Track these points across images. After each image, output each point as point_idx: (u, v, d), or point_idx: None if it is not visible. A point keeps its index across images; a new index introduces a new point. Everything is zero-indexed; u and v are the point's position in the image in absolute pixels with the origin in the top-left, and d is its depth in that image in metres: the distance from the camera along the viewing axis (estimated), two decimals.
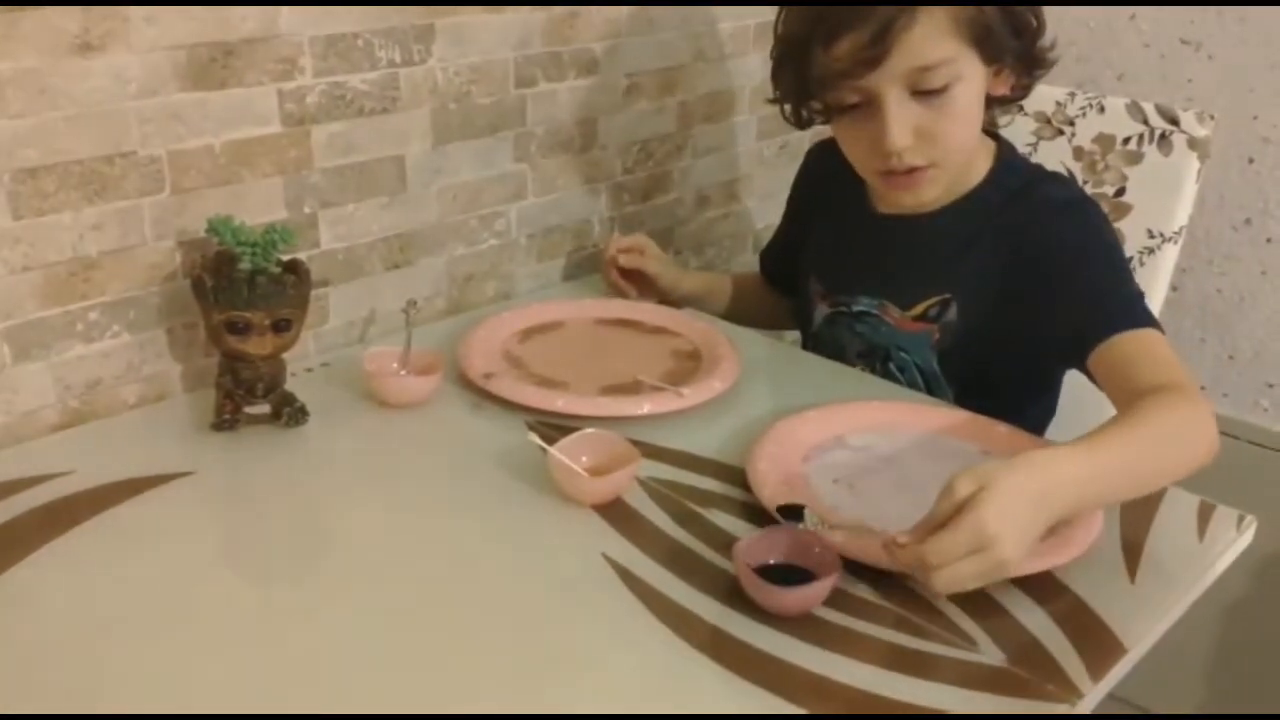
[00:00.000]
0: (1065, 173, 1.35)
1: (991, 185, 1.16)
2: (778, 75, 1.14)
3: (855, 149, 1.13)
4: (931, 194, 1.14)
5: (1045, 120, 1.39)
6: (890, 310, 1.21)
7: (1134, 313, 1.05)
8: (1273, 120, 1.57)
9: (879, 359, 1.23)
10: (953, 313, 1.16)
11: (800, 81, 1.11)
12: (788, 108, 1.17)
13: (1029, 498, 0.79)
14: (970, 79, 1.07)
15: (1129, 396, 0.96)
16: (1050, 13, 1.67)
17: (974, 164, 1.16)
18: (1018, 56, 1.10)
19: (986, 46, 1.06)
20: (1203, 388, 1.71)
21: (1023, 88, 1.15)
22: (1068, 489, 0.83)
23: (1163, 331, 1.05)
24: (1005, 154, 1.19)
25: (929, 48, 1.03)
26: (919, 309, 1.18)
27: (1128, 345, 1.02)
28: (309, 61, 1.15)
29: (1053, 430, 1.26)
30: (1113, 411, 1.12)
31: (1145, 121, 1.32)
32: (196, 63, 1.07)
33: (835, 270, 1.27)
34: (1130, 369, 1.01)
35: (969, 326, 1.16)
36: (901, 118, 1.05)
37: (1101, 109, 1.35)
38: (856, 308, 1.23)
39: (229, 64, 1.09)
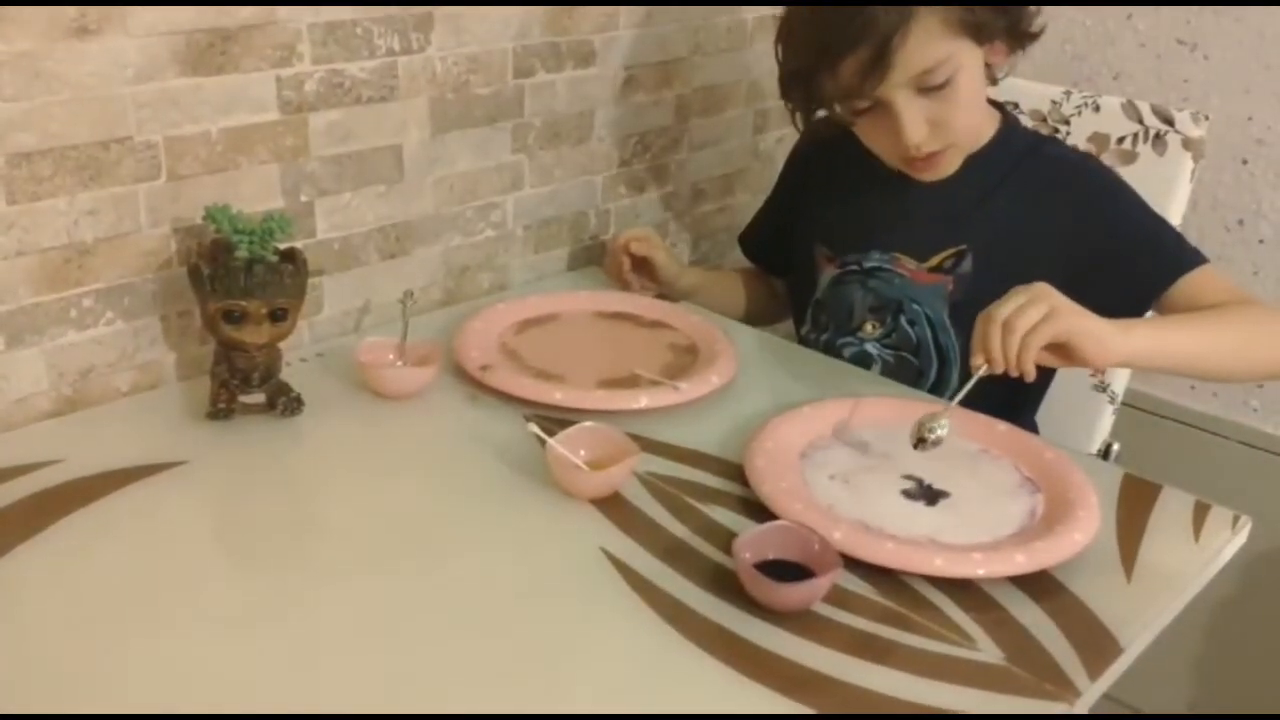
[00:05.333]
0: None
1: (999, 146, 1.22)
2: (788, 93, 1.19)
3: (875, 143, 1.19)
4: (952, 169, 1.20)
5: (1041, 119, 1.39)
6: (905, 263, 1.24)
7: (1186, 254, 1.15)
8: (1267, 122, 1.58)
9: (891, 312, 1.25)
10: (967, 264, 1.20)
11: (811, 101, 1.17)
12: (798, 117, 1.22)
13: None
14: (969, 65, 1.12)
15: None
16: (1047, 12, 1.67)
17: (983, 129, 1.23)
18: (1009, 32, 1.15)
19: (976, 33, 1.11)
20: (1192, 387, 1.72)
21: (1020, 48, 1.20)
22: (1110, 323, 0.97)
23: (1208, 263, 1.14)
24: (1009, 120, 1.26)
25: (926, 53, 1.08)
26: (935, 260, 1.22)
27: (1190, 287, 1.11)
28: (307, 48, 1.14)
29: (1041, 426, 1.27)
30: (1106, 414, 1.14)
31: (1140, 121, 1.32)
32: (194, 48, 1.06)
33: (845, 230, 1.29)
34: (1199, 304, 1.09)
35: (982, 279, 1.19)
36: (913, 115, 1.11)
37: (1097, 108, 1.35)
38: (868, 264, 1.26)
39: (227, 50, 1.08)
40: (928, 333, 1.23)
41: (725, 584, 0.85)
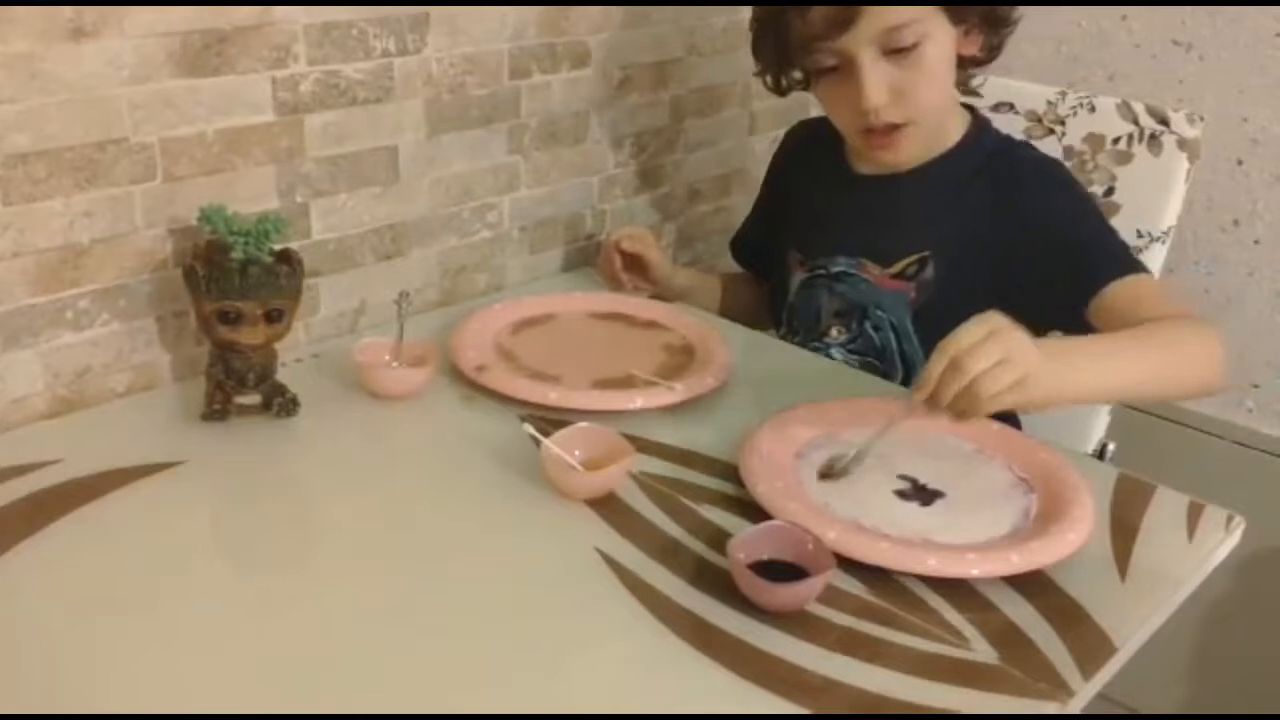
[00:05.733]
0: None
1: (969, 148, 1.22)
2: (758, 46, 1.21)
3: (836, 110, 1.20)
4: (910, 152, 1.20)
5: (1036, 119, 1.39)
6: (869, 268, 1.24)
7: (1125, 261, 1.12)
8: (1262, 122, 1.58)
9: (856, 318, 1.26)
10: (930, 271, 1.21)
11: (780, 49, 1.18)
12: (769, 77, 1.24)
13: (1039, 346, 0.88)
14: (939, 38, 1.12)
15: None
16: (1042, 13, 1.67)
17: (950, 128, 1.22)
18: (983, 16, 1.15)
19: (953, 10, 1.12)
20: None
21: (991, 48, 1.20)
22: (1077, 353, 0.93)
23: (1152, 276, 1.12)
24: (981, 122, 1.25)
25: (893, 10, 1.09)
26: (898, 267, 1.22)
27: (1125, 291, 1.08)
28: (303, 49, 1.14)
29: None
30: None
31: (1135, 122, 1.32)
32: (190, 49, 1.06)
33: (815, 234, 1.30)
34: (1132, 312, 1.06)
35: (945, 286, 1.20)
36: (876, 77, 1.11)
37: (1092, 109, 1.36)
38: (835, 268, 1.27)
39: (223, 51, 1.08)
40: (892, 339, 1.24)
41: (720, 584, 0.85)
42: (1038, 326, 1.23)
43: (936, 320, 1.20)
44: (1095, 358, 0.95)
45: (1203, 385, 1.03)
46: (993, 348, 0.85)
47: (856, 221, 1.26)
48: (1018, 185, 1.19)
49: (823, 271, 1.28)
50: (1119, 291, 1.08)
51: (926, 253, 1.20)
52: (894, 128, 1.16)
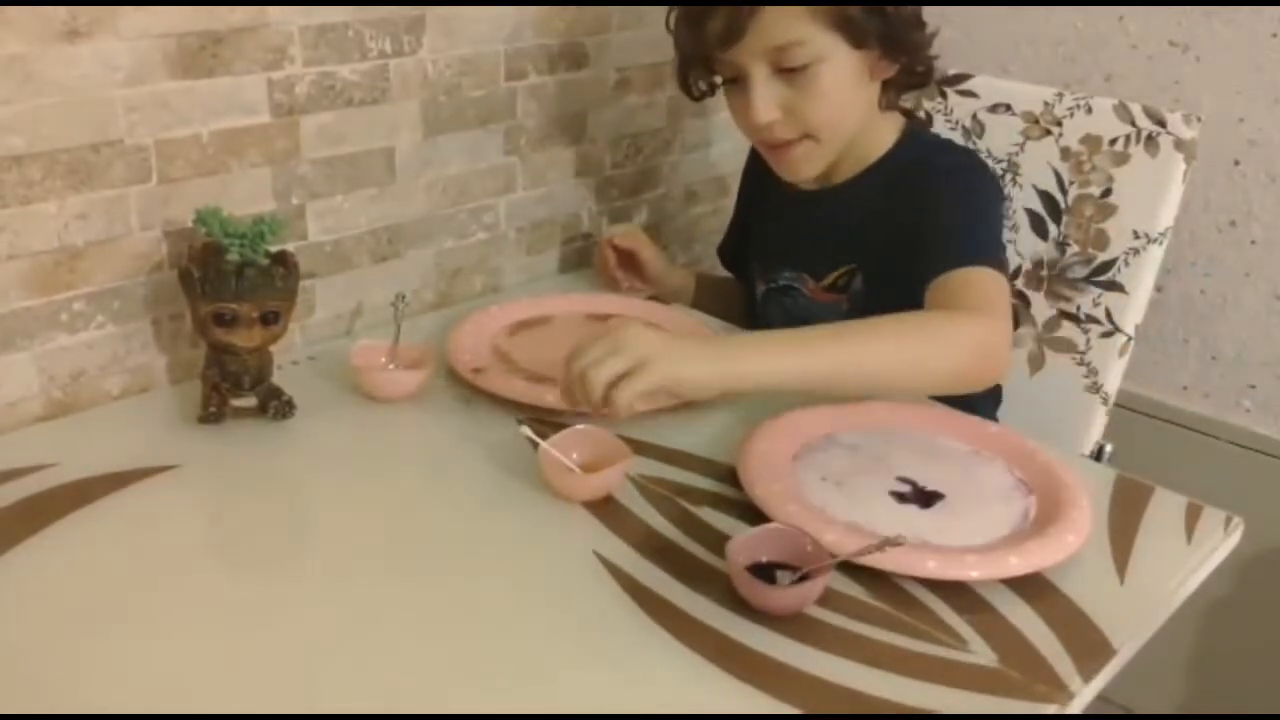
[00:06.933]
0: (1052, 173, 1.36)
1: (894, 158, 1.21)
2: (676, 49, 1.22)
3: (738, 122, 1.21)
4: (812, 168, 1.19)
5: (1033, 120, 1.39)
6: (808, 282, 1.26)
7: (975, 249, 1.08)
8: (1258, 123, 1.58)
9: None
10: (859, 283, 1.21)
11: (683, 60, 1.20)
12: (679, 81, 1.25)
13: (677, 337, 0.92)
14: (834, 60, 1.11)
15: None
16: (1038, 13, 1.67)
17: (877, 139, 1.21)
18: (883, 41, 1.13)
19: (848, 31, 1.10)
20: (1184, 387, 1.72)
21: (918, 72, 1.19)
22: (734, 344, 0.94)
23: (1005, 273, 1.08)
24: (913, 129, 1.24)
25: (780, 30, 1.09)
26: (830, 280, 1.24)
27: (956, 279, 1.05)
28: (299, 51, 1.14)
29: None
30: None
31: (1132, 123, 1.32)
32: (185, 51, 1.06)
33: (767, 248, 1.33)
34: (947, 301, 1.03)
35: (875, 297, 1.21)
36: (765, 93, 1.12)
37: (1089, 110, 1.35)
38: (781, 282, 1.29)
39: (218, 52, 1.08)
40: None
41: (718, 586, 0.85)
42: None
43: None
44: (758, 346, 0.96)
45: (948, 379, 0.99)
46: (599, 345, 0.90)
47: (795, 236, 1.28)
48: (925, 188, 1.16)
49: (774, 285, 1.30)
50: (950, 280, 1.05)
51: (854, 265, 1.21)
52: (791, 143, 1.15)
